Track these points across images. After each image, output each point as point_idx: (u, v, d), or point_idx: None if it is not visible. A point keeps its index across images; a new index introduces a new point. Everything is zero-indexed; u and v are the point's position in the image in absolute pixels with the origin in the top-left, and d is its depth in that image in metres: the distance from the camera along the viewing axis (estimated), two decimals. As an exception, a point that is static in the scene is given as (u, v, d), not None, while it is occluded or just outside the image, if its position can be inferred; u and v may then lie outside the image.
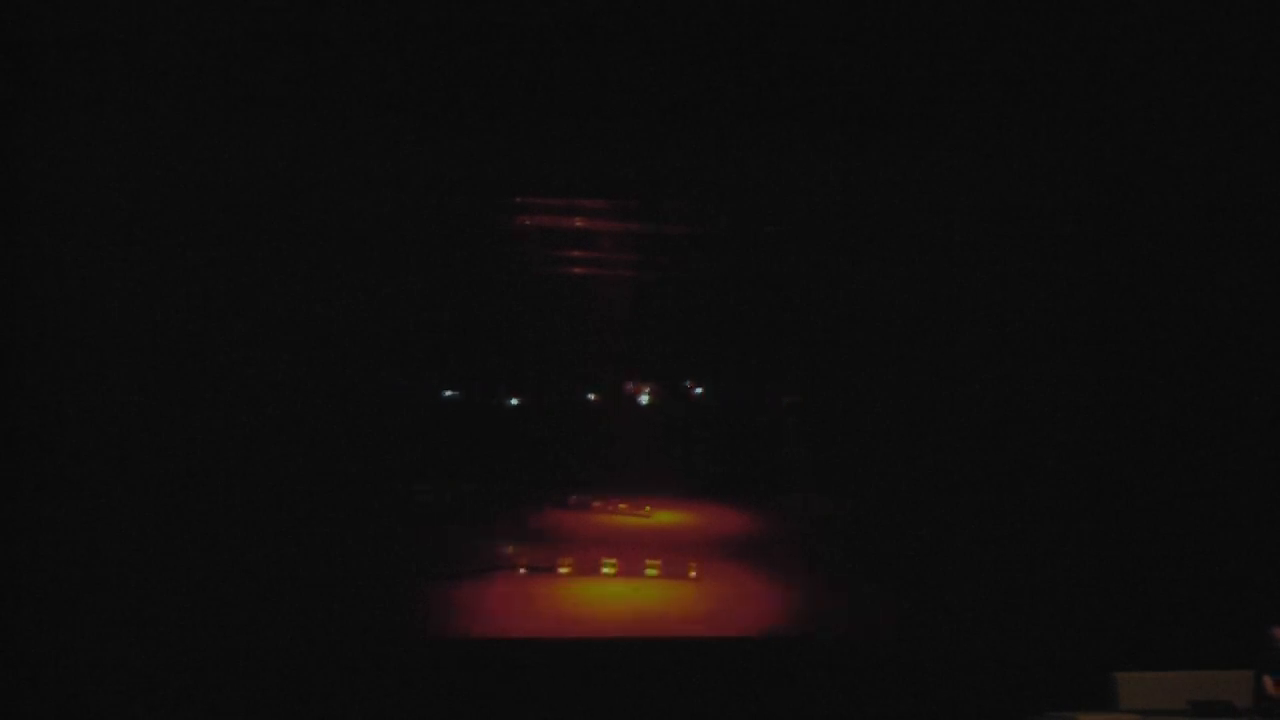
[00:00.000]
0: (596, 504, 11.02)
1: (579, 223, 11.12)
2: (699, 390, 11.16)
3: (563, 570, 10.89)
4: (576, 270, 11.07)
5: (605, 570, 10.92)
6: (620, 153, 11.03)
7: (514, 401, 10.99)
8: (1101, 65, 10.96)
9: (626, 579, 10.94)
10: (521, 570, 10.86)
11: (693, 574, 10.98)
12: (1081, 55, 10.92)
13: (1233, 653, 9.14)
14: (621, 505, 11.04)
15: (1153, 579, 10.82)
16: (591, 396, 11.05)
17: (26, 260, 10.43)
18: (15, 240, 10.42)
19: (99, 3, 10.28)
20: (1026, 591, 11.03)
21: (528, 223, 11.04)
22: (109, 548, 10.37)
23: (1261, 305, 10.85)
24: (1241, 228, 10.93)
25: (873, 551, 11.06)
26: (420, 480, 10.82)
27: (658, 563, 10.98)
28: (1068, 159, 11.22)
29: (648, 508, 11.07)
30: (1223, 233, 10.95)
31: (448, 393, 10.92)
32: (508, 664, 10.67)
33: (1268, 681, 8.74)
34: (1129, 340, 11.13)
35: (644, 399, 11.11)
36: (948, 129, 11.06)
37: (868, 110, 10.93)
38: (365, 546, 10.66)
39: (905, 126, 11.03)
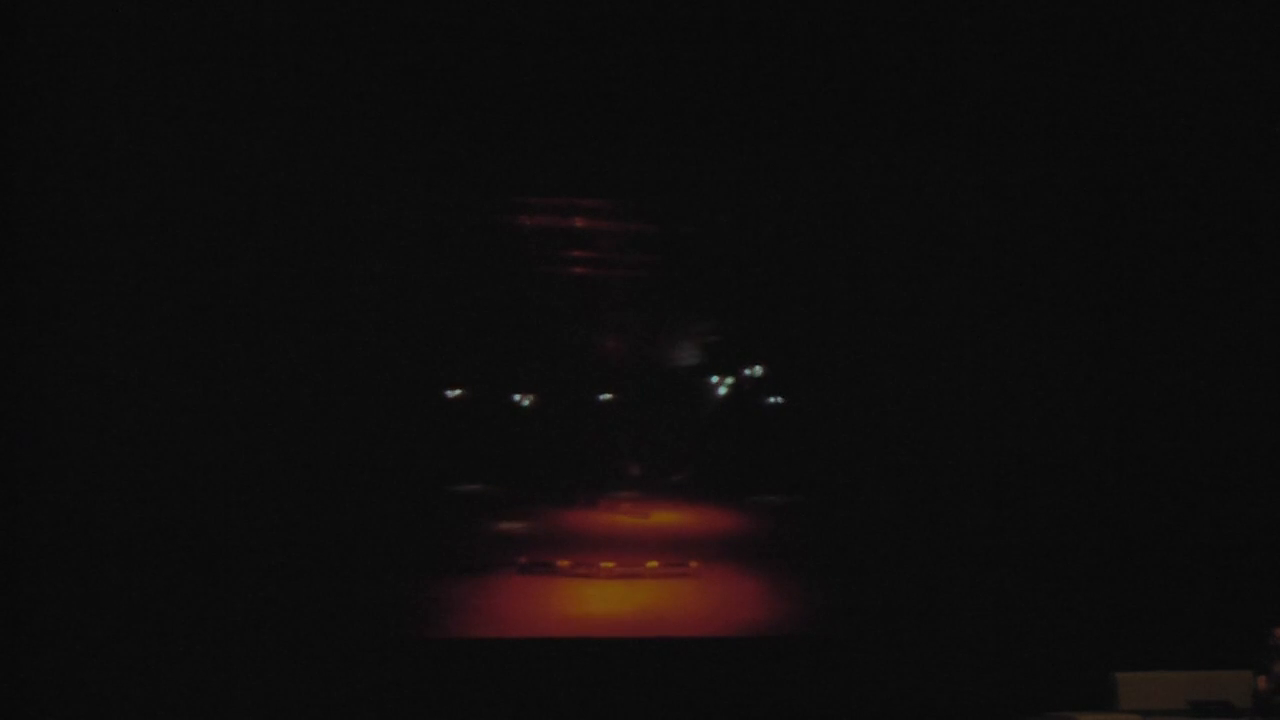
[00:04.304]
0: (596, 504, 11.02)
1: (579, 223, 11.12)
2: (699, 390, 11.18)
3: (562, 570, 10.89)
4: (576, 270, 11.07)
5: (605, 570, 10.92)
6: (620, 152, 11.05)
7: (512, 401, 11.00)
8: (1101, 66, 10.97)
9: (626, 579, 10.94)
10: (521, 570, 10.85)
11: (693, 574, 10.98)
12: (1080, 56, 10.93)
13: (1233, 653, 9.14)
14: (622, 505, 11.04)
15: (1153, 579, 10.83)
16: (598, 397, 11.07)
17: (27, 261, 10.43)
18: (15, 240, 10.43)
19: (100, 4, 10.29)
20: (1026, 591, 11.03)
21: (528, 223, 11.04)
22: (108, 548, 10.37)
23: (1262, 305, 10.85)
24: (1242, 228, 10.93)
25: (873, 551, 11.06)
26: (420, 480, 10.82)
27: (657, 563, 10.98)
28: (1068, 160, 11.23)
29: (648, 508, 11.07)
30: (1223, 233, 10.95)
31: (449, 393, 10.93)
32: (507, 664, 10.67)
33: (1262, 680, 8.75)
34: (1129, 340, 11.13)
35: (643, 399, 11.13)
36: (948, 129, 11.07)
37: (869, 111, 10.94)
38: (364, 546, 10.66)
39: (906, 127, 11.04)
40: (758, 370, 11.17)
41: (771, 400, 11.18)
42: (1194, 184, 11.00)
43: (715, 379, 11.18)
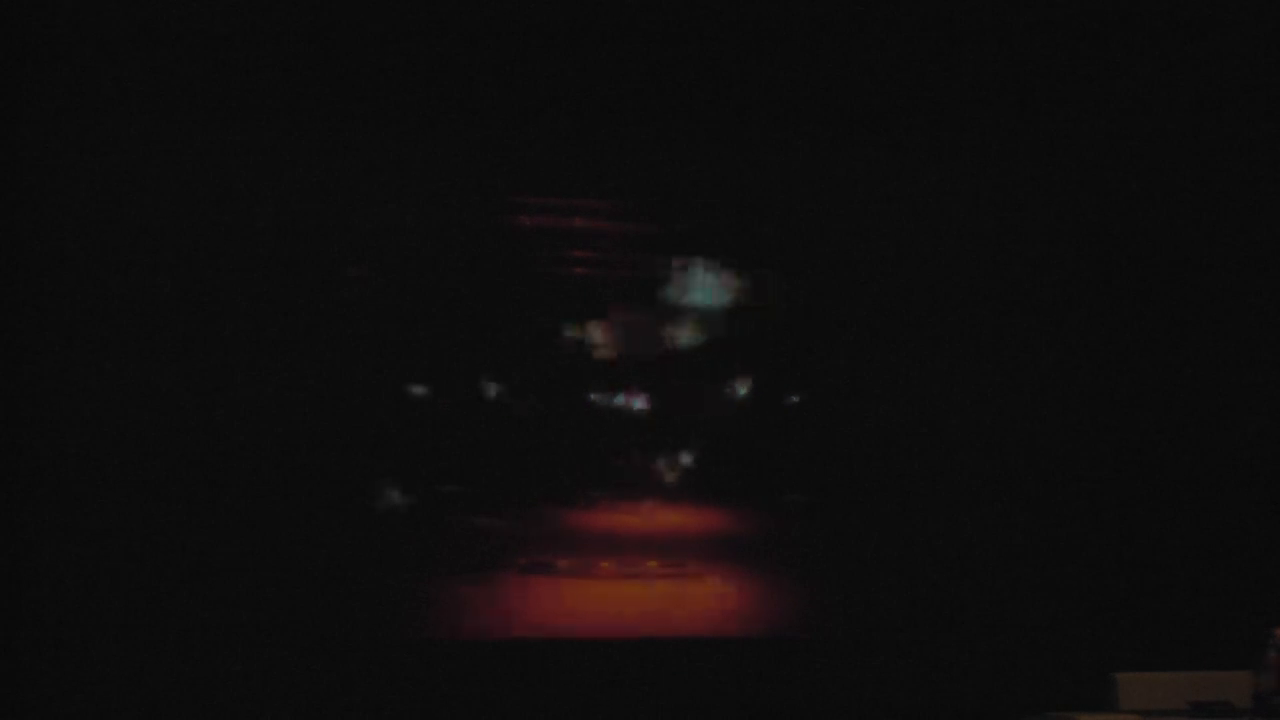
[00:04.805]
0: (596, 505, 11.01)
1: (579, 223, 11.12)
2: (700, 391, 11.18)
3: (562, 570, 10.88)
4: (578, 271, 11.07)
5: (605, 570, 10.92)
6: (619, 153, 11.06)
7: (512, 401, 11.00)
8: (1099, 66, 10.99)
9: (627, 580, 10.94)
10: (521, 570, 10.84)
11: (693, 575, 10.98)
12: (1080, 56, 10.94)
13: (1233, 653, 9.12)
14: (623, 506, 11.04)
15: (1153, 579, 10.83)
16: (593, 397, 11.06)
17: (25, 264, 10.43)
18: (14, 243, 10.42)
19: (102, 6, 10.29)
20: (1026, 591, 11.03)
21: (527, 222, 11.04)
22: (104, 549, 10.36)
23: (1263, 306, 10.86)
24: (1242, 228, 10.93)
25: (872, 551, 11.06)
26: (419, 480, 10.81)
27: (658, 564, 10.97)
28: (1067, 161, 11.24)
29: (649, 509, 11.06)
30: (1223, 232, 10.96)
31: (449, 393, 10.93)
32: (507, 664, 10.67)
33: (1262, 680, 8.72)
34: (1129, 339, 11.14)
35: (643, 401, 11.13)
36: (949, 129, 11.08)
37: (868, 112, 10.95)
38: (364, 546, 10.66)
39: (904, 129, 11.05)
40: (758, 371, 11.18)
41: (773, 401, 11.17)
42: (1194, 184, 11.01)
43: (714, 380, 11.18)
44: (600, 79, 10.73)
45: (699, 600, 10.98)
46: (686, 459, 11.13)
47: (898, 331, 11.15)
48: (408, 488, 10.78)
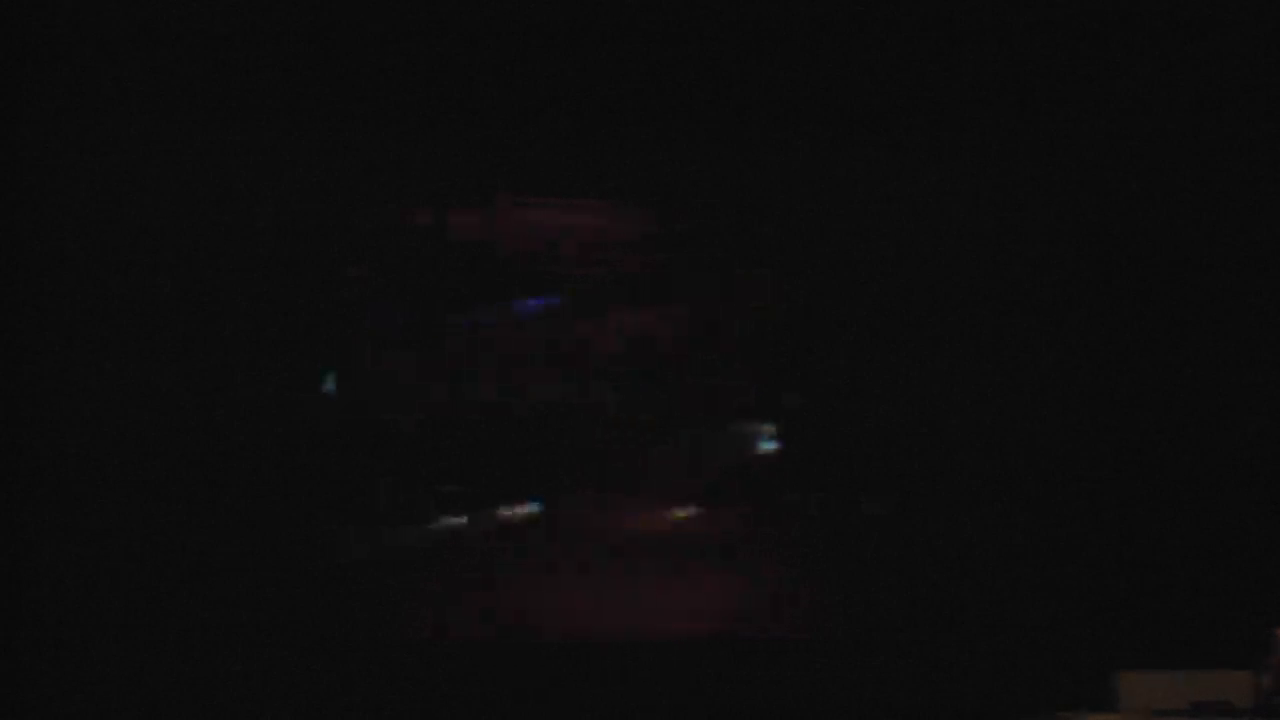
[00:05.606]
0: (596, 505, 11.01)
1: (578, 223, 11.12)
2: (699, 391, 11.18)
3: (561, 570, 10.88)
4: (576, 272, 11.07)
5: (604, 570, 10.91)
6: (619, 153, 11.06)
7: (519, 402, 11.00)
8: (1099, 66, 10.99)
9: (625, 579, 10.93)
10: (524, 571, 10.85)
11: (692, 573, 10.98)
12: (1079, 57, 10.95)
13: (1233, 653, 9.13)
14: (622, 506, 11.04)
15: (1153, 579, 10.83)
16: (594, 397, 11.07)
17: (25, 264, 10.42)
18: (14, 243, 10.41)
19: (102, 6, 10.28)
20: (1026, 591, 11.03)
21: (528, 223, 11.04)
22: (104, 549, 10.35)
23: (1263, 304, 10.86)
24: (1242, 230, 10.93)
25: (871, 551, 11.06)
26: (418, 481, 10.81)
27: (656, 563, 10.97)
28: (1067, 161, 11.24)
29: (654, 510, 11.06)
30: (1223, 233, 10.96)
31: (452, 393, 10.93)
32: (505, 665, 10.67)
33: (1263, 680, 8.73)
34: (1129, 339, 11.14)
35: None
36: (949, 128, 11.08)
37: (868, 112, 10.95)
38: (363, 546, 10.66)
39: (904, 129, 11.05)
40: (757, 371, 11.18)
41: (772, 401, 11.17)
42: (1194, 184, 11.01)
43: (714, 379, 11.18)
44: (600, 79, 10.74)
45: (699, 600, 10.97)
46: (687, 459, 11.13)
47: (898, 331, 11.15)
48: (408, 488, 10.78)
